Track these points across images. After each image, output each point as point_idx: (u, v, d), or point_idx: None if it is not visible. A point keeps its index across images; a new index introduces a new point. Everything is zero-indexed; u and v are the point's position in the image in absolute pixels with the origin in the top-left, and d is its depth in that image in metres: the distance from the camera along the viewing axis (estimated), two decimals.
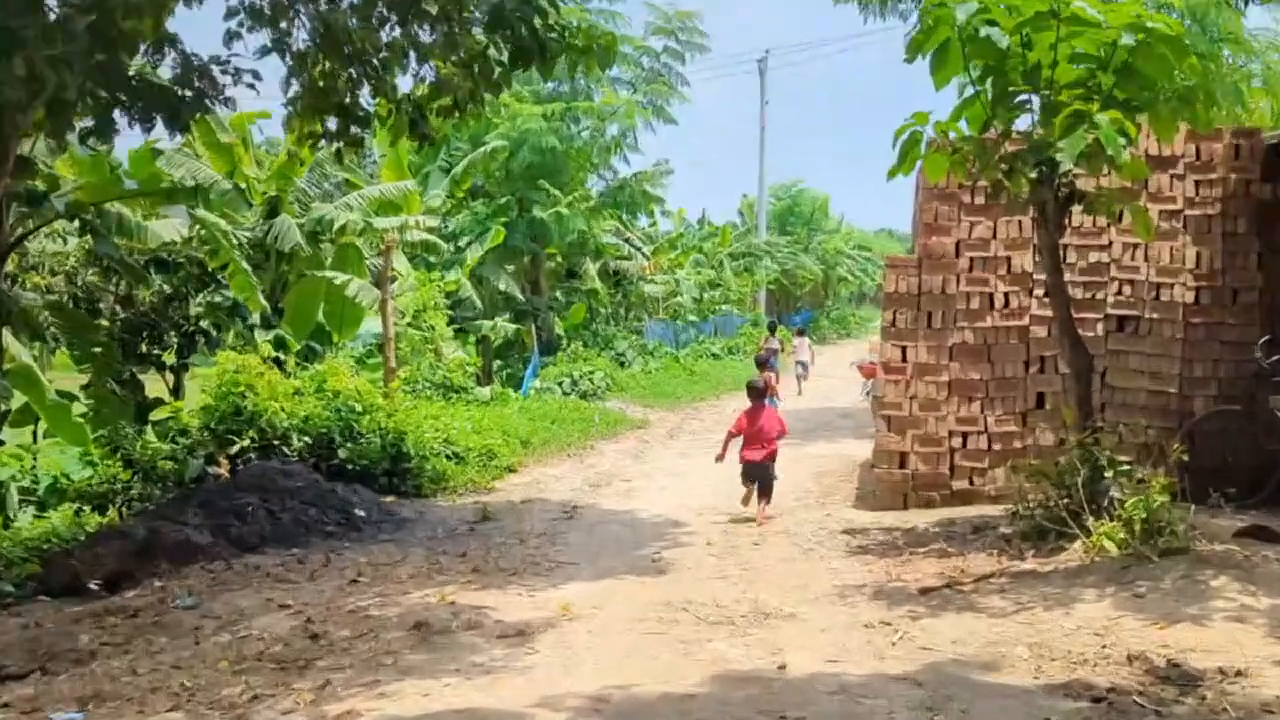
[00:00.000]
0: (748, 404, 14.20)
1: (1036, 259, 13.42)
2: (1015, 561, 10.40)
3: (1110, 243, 13.47)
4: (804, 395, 30.59)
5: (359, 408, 16.59)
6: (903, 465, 13.79)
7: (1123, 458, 10.98)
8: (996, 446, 13.64)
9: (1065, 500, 10.75)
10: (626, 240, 38.69)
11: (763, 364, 20.30)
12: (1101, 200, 11.23)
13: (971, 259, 13.76)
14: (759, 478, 13.78)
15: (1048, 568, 9.98)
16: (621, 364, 33.43)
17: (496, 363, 33.67)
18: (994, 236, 13.72)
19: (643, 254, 39.43)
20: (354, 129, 12.63)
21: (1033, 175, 10.89)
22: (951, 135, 10.97)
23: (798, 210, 68.13)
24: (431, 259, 28.68)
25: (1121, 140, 10.02)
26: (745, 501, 13.93)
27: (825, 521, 13.36)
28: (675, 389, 31.10)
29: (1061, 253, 12.13)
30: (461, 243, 30.55)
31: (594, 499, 15.62)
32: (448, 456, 17.18)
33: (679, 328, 43.94)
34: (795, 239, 65.65)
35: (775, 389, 20.33)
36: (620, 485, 16.77)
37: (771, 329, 32.90)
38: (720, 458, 14.09)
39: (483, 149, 29.99)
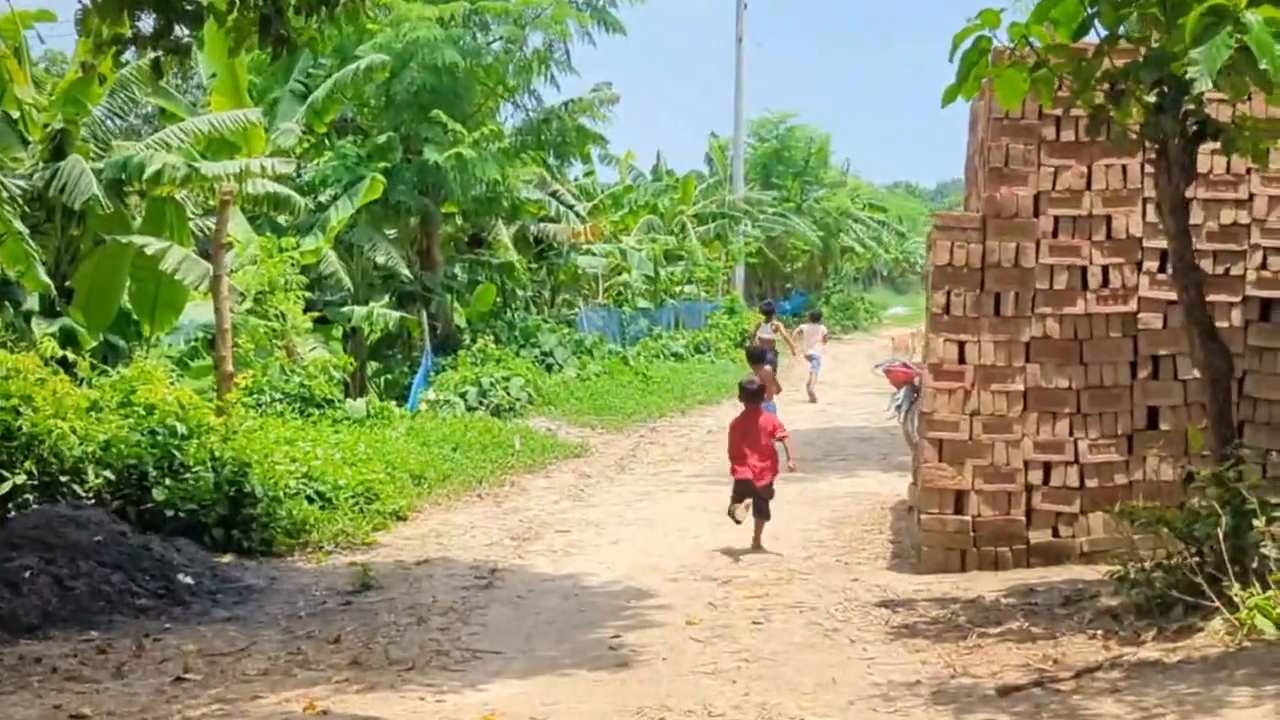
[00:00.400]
0: (729, 422, 15.64)
1: (1149, 218, 13.17)
2: (1129, 647, 10.11)
3: (1251, 196, 13.21)
4: (812, 405, 31.54)
5: (183, 429, 16.16)
6: (959, 510, 13.49)
7: (1272, 499, 10.74)
8: (1091, 483, 13.36)
9: (1196, 559, 10.49)
10: (554, 195, 38.39)
11: (758, 358, 21.64)
12: (1246, 135, 10.95)
13: (1057, 218, 13.47)
14: (754, 496, 15.42)
15: (1176, 656, 9.69)
16: (549, 367, 33.14)
17: (372, 364, 33.34)
18: (1088, 187, 13.44)
19: (576, 214, 39.18)
20: (179, 30, 12.17)
21: (1150, 99, 10.62)
22: (1033, 44, 10.71)
23: (787, 155, 68.28)
24: (282, 219, 28.22)
25: None
26: (736, 515, 15.37)
27: (852, 589, 13.04)
28: (624, 402, 30.98)
29: None
30: (324, 197, 30.12)
31: (520, 558, 15.25)
32: (309, 498, 16.74)
33: (626, 317, 43.73)
34: (784, 195, 65.65)
35: (773, 390, 21.11)
36: (556, 539, 16.40)
37: (767, 314, 33.68)
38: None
39: (354, 66, 29.51)
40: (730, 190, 57.61)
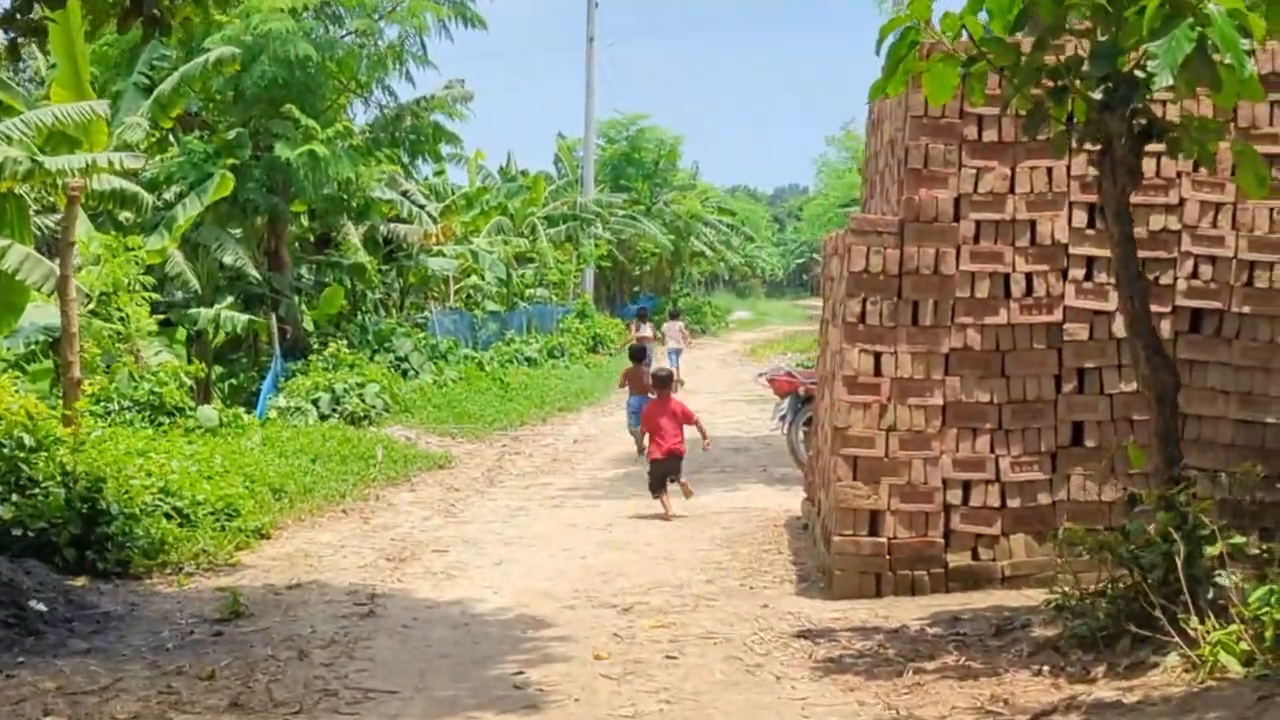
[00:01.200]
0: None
1: (1075, 223, 12.73)
2: (1081, 685, 9.44)
3: (1182, 201, 12.73)
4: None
5: (30, 441, 15.20)
6: (874, 531, 12.83)
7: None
8: (1013, 503, 12.79)
9: (1142, 587, 9.89)
10: (405, 195, 37.38)
11: (639, 355, 24.95)
12: (1193, 136, 10.37)
13: (978, 223, 12.86)
14: (672, 472, 18.11)
15: (1135, 695, 9.02)
16: (404, 373, 32.26)
17: (215, 369, 32.23)
18: (1011, 190, 12.85)
19: (428, 215, 38.12)
20: (37, 7, 11.29)
21: (1097, 96, 10.01)
22: (968, 37, 10.11)
23: (637, 158, 67.89)
24: (125, 217, 27.03)
25: (1244, 42, 9.19)
26: (667, 515, 17.73)
27: (765, 617, 12.29)
28: (483, 409, 30.24)
29: None
30: (169, 194, 28.89)
31: (399, 582, 14.38)
32: (168, 515, 15.77)
33: (477, 320, 42.94)
34: (634, 197, 65.24)
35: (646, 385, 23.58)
36: (434, 560, 15.53)
37: (642, 316, 36.93)
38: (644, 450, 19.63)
39: (202, 59, 28.36)
40: (581, 192, 57.03)
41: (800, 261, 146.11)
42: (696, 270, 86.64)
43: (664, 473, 18.09)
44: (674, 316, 40.95)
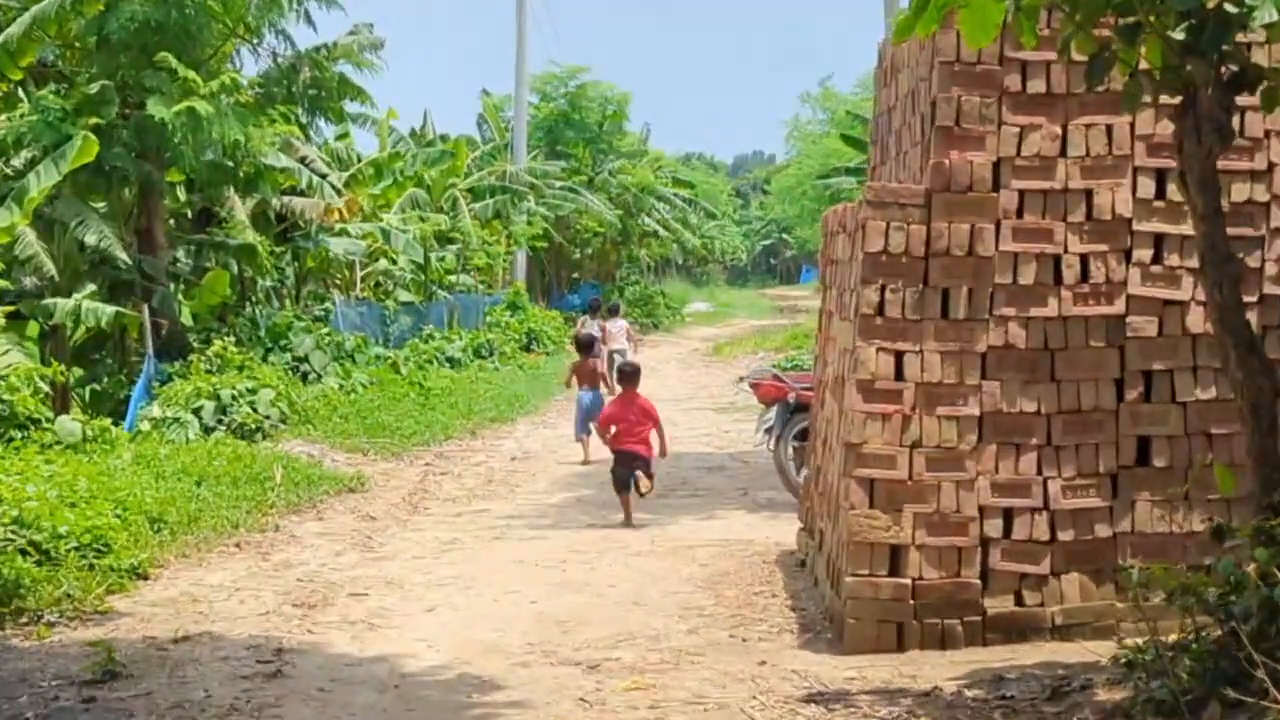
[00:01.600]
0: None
1: (1141, 194, 12.48)
2: None
3: (1271, 166, 12.49)
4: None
5: None
6: (895, 570, 12.50)
7: None
8: (1065, 535, 12.48)
9: (1232, 640, 9.58)
10: (303, 161, 36.87)
11: (587, 345, 26.97)
12: None
13: (1022, 193, 12.58)
14: (638, 469, 19.37)
15: None
16: (304, 376, 31.87)
17: (74, 371, 31.81)
18: (1063, 153, 12.56)
19: (330, 186, 37.64)
20: None
21: (1179, 36, 9.68)
22: None
23: (578, 118, 67.54)
24: None
25: None
26: (627, 519, 19.33)
27: (764, 677, 11.90)
28: (400, 420, 29.95)
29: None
30: (19, 161, 28.45)
31: (309, 633, 13.97)
32: (23, 551, 15.40)
33: (389, 313, 42.61)
34: (574, 165, 64.98)
35: (607, 378, 26.83)
36: (351, 605, 15.11)
37: (593, 310, 38.36)
38: (605, 441, 20.27)
39: None
40: (511, 160, 56.77)
41: (767, 244, 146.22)
42: (646, 253, 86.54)
43: (628, 470, 19.42)
44: (614, 313, 40.03)
